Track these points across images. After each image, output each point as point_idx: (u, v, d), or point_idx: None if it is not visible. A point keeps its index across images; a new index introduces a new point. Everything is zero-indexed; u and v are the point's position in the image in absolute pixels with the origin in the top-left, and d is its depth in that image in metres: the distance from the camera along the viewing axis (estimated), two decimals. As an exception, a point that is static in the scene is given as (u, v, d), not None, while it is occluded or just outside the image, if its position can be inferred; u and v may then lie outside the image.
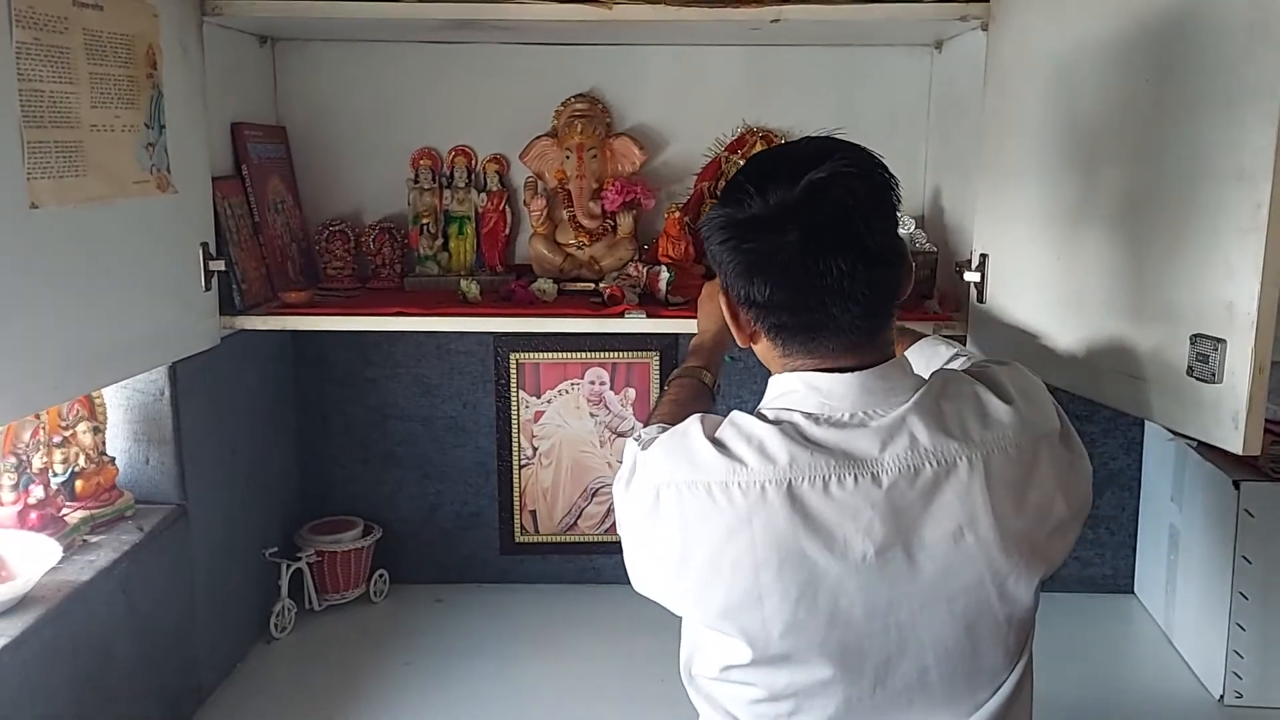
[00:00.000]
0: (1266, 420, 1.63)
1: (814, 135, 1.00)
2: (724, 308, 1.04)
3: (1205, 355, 1.10)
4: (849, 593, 0.93)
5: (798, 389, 0.99)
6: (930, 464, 0.93)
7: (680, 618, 1.05)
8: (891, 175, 0.98)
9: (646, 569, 1.01)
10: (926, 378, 1.02)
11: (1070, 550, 1.02)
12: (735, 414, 1.00)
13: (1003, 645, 0.99)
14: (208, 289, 1.58)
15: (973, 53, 1.64)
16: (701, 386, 1.30)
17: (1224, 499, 1.65)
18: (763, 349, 1.04)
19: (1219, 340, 1.08)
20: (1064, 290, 1.38)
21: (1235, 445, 1.06)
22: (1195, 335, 1.12)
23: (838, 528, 0.92)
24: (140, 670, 1.48)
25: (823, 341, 0.98)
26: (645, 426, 1.16)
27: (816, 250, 0.93)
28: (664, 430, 1.05)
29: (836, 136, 0.99)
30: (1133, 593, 2.06)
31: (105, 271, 1.33)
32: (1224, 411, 1.08)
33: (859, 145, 0.98)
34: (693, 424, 1.00)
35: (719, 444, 0.96)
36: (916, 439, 0.94)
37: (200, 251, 1.56)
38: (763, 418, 0.98)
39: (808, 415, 0.97)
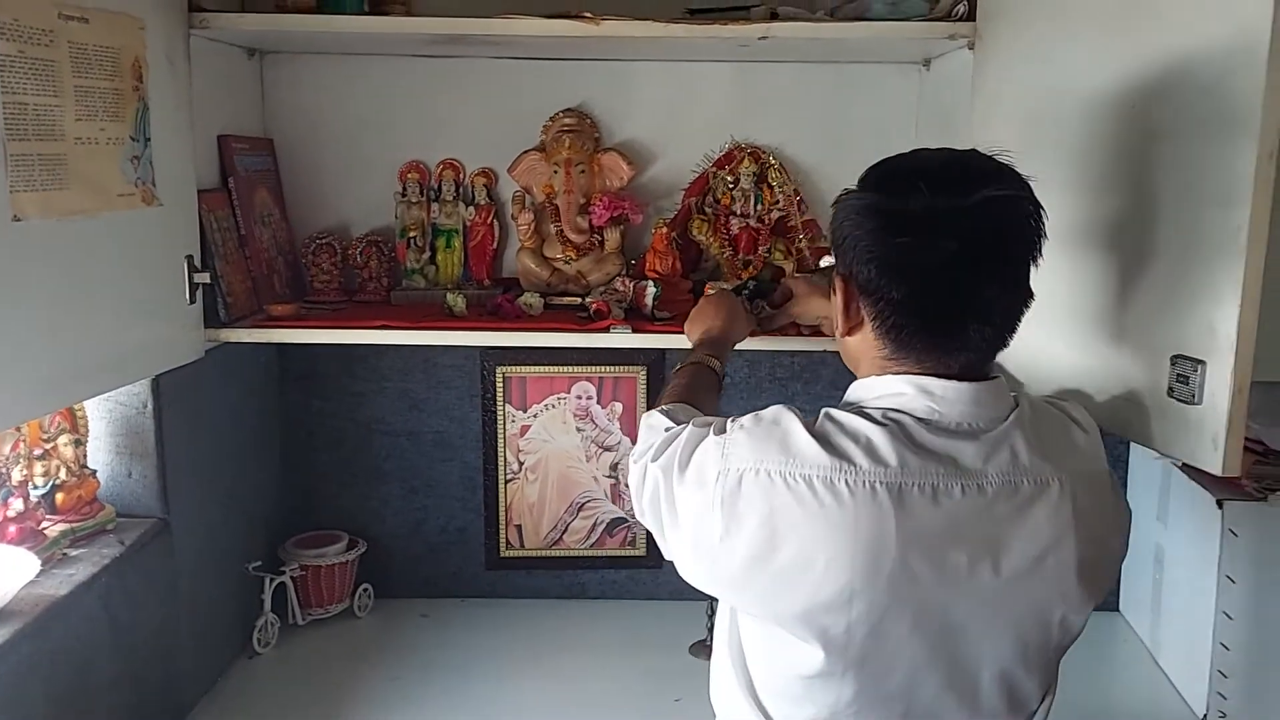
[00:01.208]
0: (1250, 439, 1.65)
1: (980, 151, 0.99)
2: (837, 291, 1.02)
3: (1185, 376, 1.10)
4: (936, 603, 0.92)
5: (906, 391, 0.97)
6: (1028, 481, 0.94)
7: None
8: (1045, 213, 0.98)
9: (710, 560, 0.97)
10: (1014, 396, 1.02)
11: (1111, 586, 1.04)
12: (830, 410, 0.98)
13: (1045, 672, 1.00)
14: (192, 302, 1.58)
15: (961, 71, 1.64)
16: (710, 373, 1.29)
17: (1208, 518, 1.65)
18: (861, 343, 1.02)
19: (1199, 361, 1.08)
20: (1048, 309, 1.37)
21: (1215, 466, 1.06)
22: (1176, 356, 1.12)
23: (940, 536, 0.91)
24: (120, 685, 1.47)
25: (941, 353, 0.97)
26: (657, 407, 1.16)
27: (973, 266, 0.93)
28: (726, 419, 1.02)
29: (1002, 159, 0.99)
30: (1118, 611, 2.06)
31: (88, 284, 1.32)
32: (1204, 432, 1.08)
33: (1023, 175, 0.98)
34: (783, 412, 0.98)
35: (821, 437, 0.94)
36: (1017, 455, 0.95)
37: (185, 264, 1.56)
38: (867, 417, 0.96)
39: (917, 419, 0.95)
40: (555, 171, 1.91)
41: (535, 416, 2.06)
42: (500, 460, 2.07)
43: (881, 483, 0.91)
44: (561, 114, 1.94)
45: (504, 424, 2.05)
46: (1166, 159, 1.14)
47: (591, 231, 1.91)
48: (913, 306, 0.96)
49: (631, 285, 1.82)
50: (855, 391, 1.03)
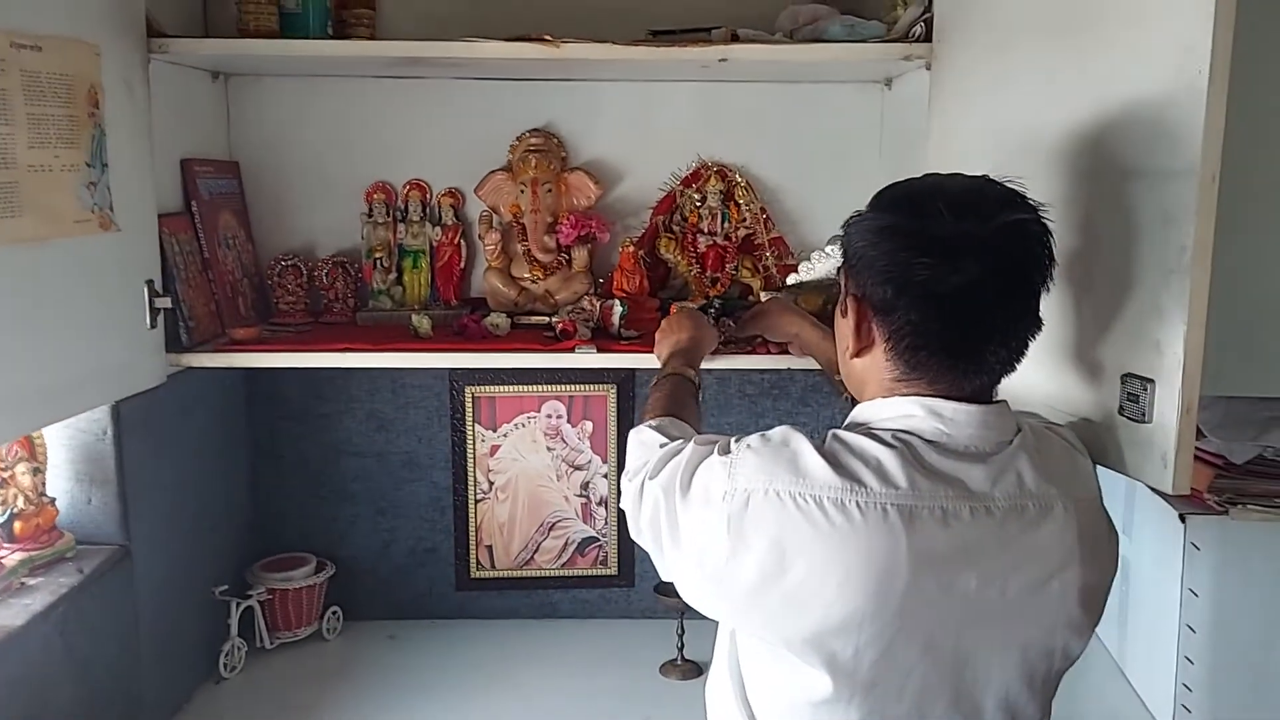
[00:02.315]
0: (1212, 453, 1.66)
1: (993, 177, 1.00)
2: (849, 311, 1.01)
3: (1135, 395, 1.11)
4: (946, 627, 0.92)
5: (916, 413, 0.97)
6: (1033, 504, 0.94)
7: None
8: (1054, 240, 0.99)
9: (715, 582, 0.95)
10: (1016, 421, 1.02)
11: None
12: (838, 431, 0.97)
13: (1045, 698, 1.00)
14: (153, 326, 1.57)
15: (921, 90, 1.65)
16: (689, 384, 1.29)
17: (1171, 532, 1.66)
18: (871, 364, 1.01)
19: (1148, 380, 1.09)
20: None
21: (1165, 484, 1.07)
22: (1126, 375, 1.13)
23: (950, 559, 0.91)
24: (79, 714, 1.45)
25: (955, 375, 0.97)
26: (644, 423, 1.16)
27: (993, 290, 0.93)
28: (735, 438, 1.00)
29: (1014, 186, 1.00)
30: (1088, 623, 2.07)
31: (44, 311, 1.31)
32: (1154, 450, 1.08)
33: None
34: (792, 433, 0.97)
35: (830, 458, 0.93)
36: (1023, 478, 0.95)
37: (146, 289, 1.55)
38: (876, 438, 0.95)
39: (927, 441, 0.95)
40: (522, 191, 1.91)
41: (505, 436, 2.06)
42: (470, 480, 2.06)
43: (893, 504, 0.90)
44: (528, 134, 1.94)
45: (474, 444, 2.05)
46: (1112, 181, 1.15)
47: (559, 251, 1.92)
48: (931, 329, 0.96)
49: (599, 304, 1.82)
50: (863, 412, 1.02)
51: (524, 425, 2.06)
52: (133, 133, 1.52)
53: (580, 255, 1.91)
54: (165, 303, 1.58)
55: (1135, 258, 1.12)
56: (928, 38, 1.57)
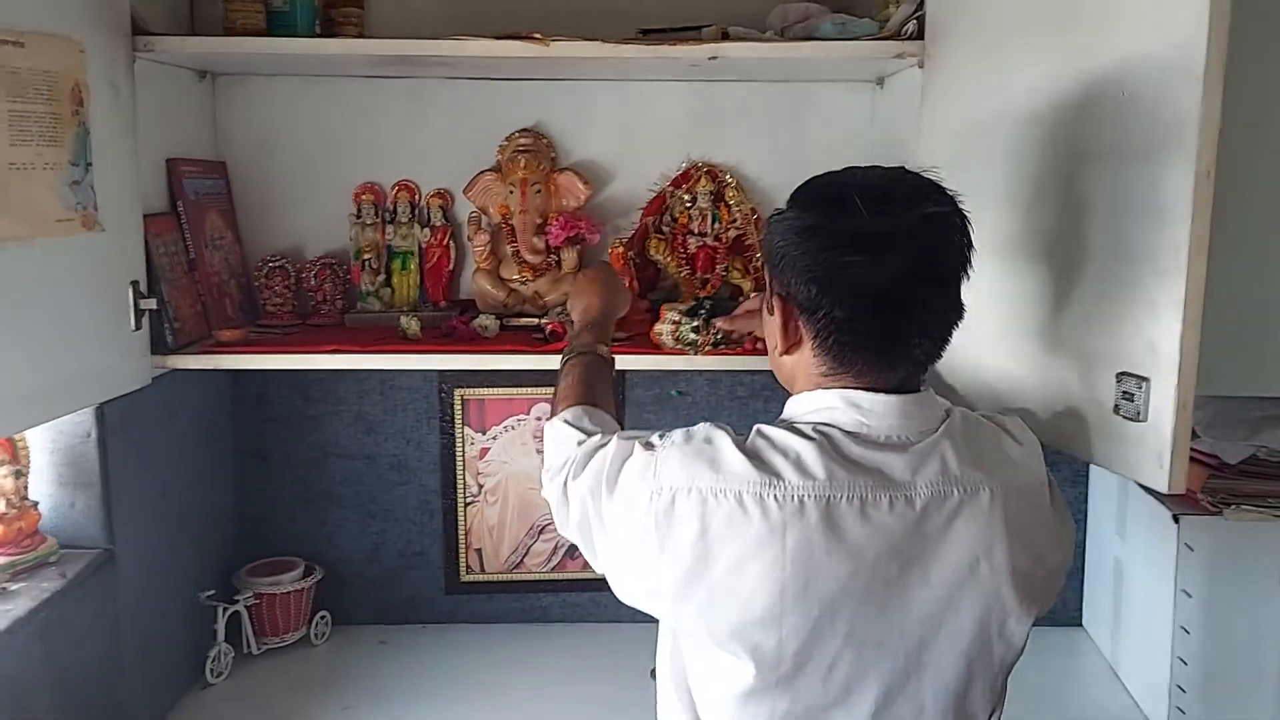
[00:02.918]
0: (1205, 453, 1.66)
1: (910, 169, 1.00)
2: (774, 311, 1.02)
3: (1131, 393, 1.10)
4: (868, 615, 0.93)
5: (836, 405, 0.98)
6: (958, 491, 0.95)
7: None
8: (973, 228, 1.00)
9: (644, 579, 0.97)
10: (945, 409, 1.02)
11: (1054, 601, 1.03)
12: (762, 426, 0.98)
13: (991, 687, 1.00)
14: (138, 328, 1.55)
15: (913, 89, 1.65)
16: (602, 362, 1.27)
17: (1164, 532, 1.66)
18: (799, 361, 1.02)
19: (1143, 379, 1.08)
20: (997, 325, 1.38)
21: (1161, 484, 1.06)
22: (1121, 373, 1.12)
23: (869, 548, 0.92)
24: (61, 721, 1.43)
25: (881, 368, 0.98)
26: (554, 412, 1.15)
27: (916, 282, 0.95)
28: (653, 434, 1.01)
29: (930, 176, 1.00)
30: (1081, 625, 2.06)
31: (26, 311, 1.29)
32: (1149, 450, 1.08)
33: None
34: (714, 430, 0.98)
35: (750, 453, 0.94)
36: (948, 465, 0.96)
37: (130, 290, 1.53)
38: (797, 431, 0.96)
39: (846, 433, 0.96)
40: (511, 192, 1.89)
41: (494, 439, 2.04)
42: (459, 483, 2.05)
43: (810, 496, 0.92)
44: (517, 134, 1.93)
45: (463, 446, 2.03)
46: (1107, 176, 1.15)
47: (548, 252, 1.90)
48: (857, 324, 0.97)
49: (588, 306, 1.80)
50: (790, 408, 1.04)
51: (513, 428, 2.04)
52: (117, 131, 1.50)
53: (570, 256, 1.89)
54: (150, 304, 1.56)
55: (1131, 255, 1.11)
56: (920, 35, 1.56)
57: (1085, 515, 2.04)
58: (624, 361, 1.68)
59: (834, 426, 0.97)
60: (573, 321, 1.41)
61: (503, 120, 1.94)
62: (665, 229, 1.94)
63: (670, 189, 1.95)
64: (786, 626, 0.92)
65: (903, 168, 1.01)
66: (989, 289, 1.36)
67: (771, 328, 1.05)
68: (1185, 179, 1.02)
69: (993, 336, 1.39)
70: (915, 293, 0.96)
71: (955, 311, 1.00)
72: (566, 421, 1.13)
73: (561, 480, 1.07)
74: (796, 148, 1.95)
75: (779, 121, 1.95)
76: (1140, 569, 1.77)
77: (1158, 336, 1.06)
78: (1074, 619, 2.07)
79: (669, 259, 1.91)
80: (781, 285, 1.01)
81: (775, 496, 0.92)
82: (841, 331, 0.97)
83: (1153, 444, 1.07)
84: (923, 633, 0.94)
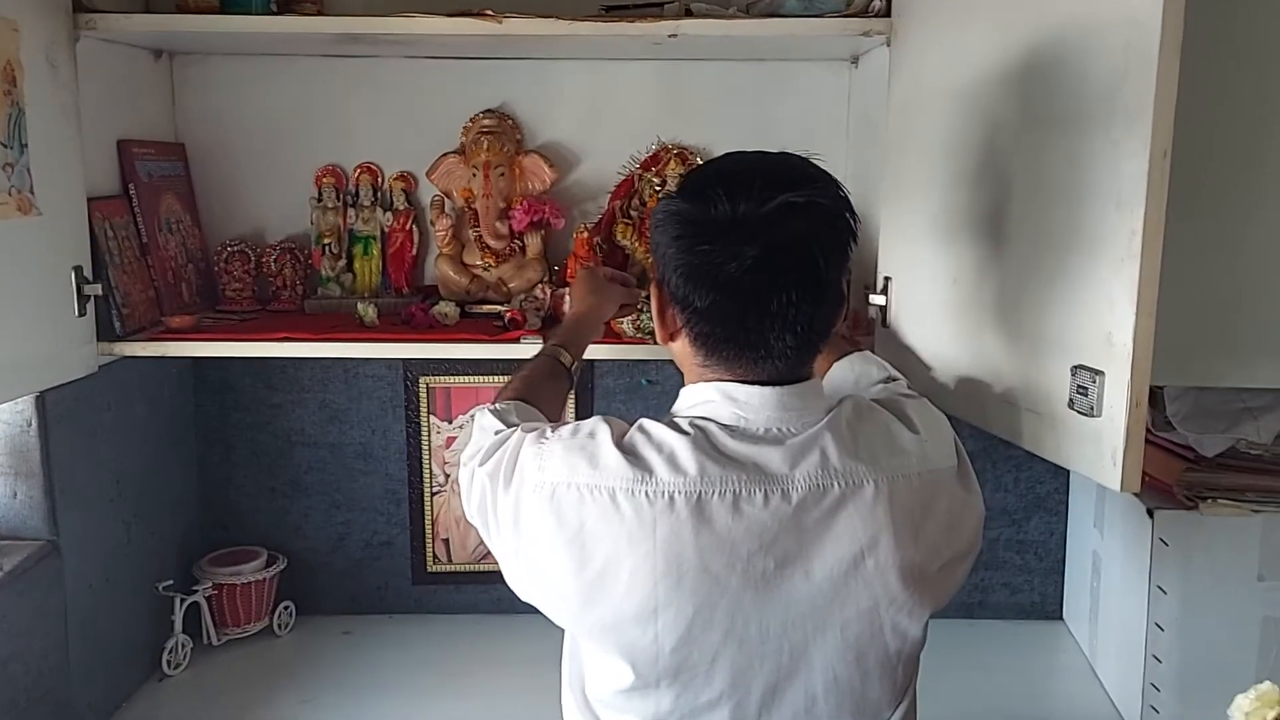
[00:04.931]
0: (1180, 445, 1.60)
1: (792, 154, 0.98)
2: (654, 299, 1.02)
3: (1085, 388, 1.05)
4: (746, 610, 0.92)
5: (713, 399, 0.97)
6: (838, 484, 0.93)
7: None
8: (856, 217, 0.97)
9: (530, 574, 0.97)
10: (838, 399, 1.01)
11: (957, 589, 1.01)
12: (644, 421, 0.98)
13: (890, 680, 0.98)
14: (82, 314, 1.51)
15: (886, 69, 1.59)
16: (557, 365, 1.28)
17: (1140, 527, 1.60)
18: (681, 351, 1.02)
19: (1098, 372, 1.04)
20: (961, 316, 1.33)
21: (1114, 482, 1.02)
22: (1076, 366, 1.07)
23: (743, 543, 0.91)
24: (4, 717, 1.40)
25: (748, 361, 0.97)
26: (495, 401, 1.14)
27: (771, 273, 0.92)
28: (546, 426, 1.02)
29: (815, 162, 0.98)
30: (1061, 619, 2.02)
31: (-45, 298, 1.26)
32: (1104, 446, 1.03)
33: (835, 178, 0.97)
34: (599, 425, 0.98)
35: (626, 450, 0.94)
36: (828, 458, 0.94)
37: (73, 275, 1.49)
38: (675, 426, 0.96)
39: (723, 426, 0.95)
40: (474, 175, 1.85)
41: (460, 428, 2.00)
42: (425, 473, 2.01)
43: (680, 492, 0.91)
44: (481, 115, 1.88)
45: (428, 435, 2.00)
46: (1067, 159, 1.10)
47: (512, 237, 1.86)
48: (716, 315, 0.95)
49: (551, 293, 1.76)
50: (678, 400, 1.03)
51: (482, 416, 2.00)
52: (58, 112, 1.46)
53: (534, 242, 1.84)
54: (95, 289, 1.52)
55: (1087, 244, 1.06)
56: (887, 13, 1.50)
57: (1066, 507, 1.99)
58: (589, 351, 1.64)
59: (711, 420, 0.96)
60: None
61: (469, 101, 1.89)
62: (634, 213, 1.89)
63: (639, 172, 1.89)
64: (661, 622, 0.91)
65: (787, 153, 0.98)
66: (959, 277, 1.32)
67: (656, 316, 1.04)
68: (1140, 161, 0.97)
69: (959, 328, 1.34)
70: (771, 287, 0.92)
71: (827, 303, 0.96)
72: (492, 411, 1.11)
73: (471, 467, 1.05)
74: (772, 128, 1.88)
75: (751, 102, 1.89)
76: (1117, 564, 1.72)
77: (1113, 327, 1.02)
78: (1054, 613, 2.02)
79: (637, 244, 1.86)
80: (658, 272, 1.00)
81: (646, 493, 0.91)
82: (705, 322, 0.96)
83: (1107, 440, 1.03)
84: (807, 626, 0.93)
